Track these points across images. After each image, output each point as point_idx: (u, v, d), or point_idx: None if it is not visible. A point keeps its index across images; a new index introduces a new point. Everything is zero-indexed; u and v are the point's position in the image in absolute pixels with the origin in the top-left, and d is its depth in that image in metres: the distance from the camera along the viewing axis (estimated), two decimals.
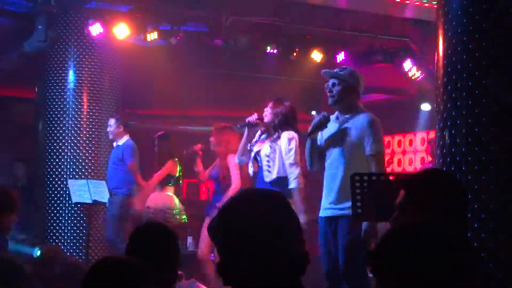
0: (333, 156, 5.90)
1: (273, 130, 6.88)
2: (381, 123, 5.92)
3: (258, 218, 2.03)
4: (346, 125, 5.89)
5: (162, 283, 3.41)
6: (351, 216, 5.22)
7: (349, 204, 5.07)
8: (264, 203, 2.08)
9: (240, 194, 2.15)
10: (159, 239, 3.65)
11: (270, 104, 6.93)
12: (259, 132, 7.08)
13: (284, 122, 6.83)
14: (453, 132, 5.20)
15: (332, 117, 6.01)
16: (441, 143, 5.31)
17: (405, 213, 3.08)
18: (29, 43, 10.26)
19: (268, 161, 6.77)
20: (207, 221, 8.36)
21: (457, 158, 5.15)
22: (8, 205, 5.69)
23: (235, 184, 8.18)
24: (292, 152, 6.67)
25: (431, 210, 3.02)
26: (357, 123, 5.84)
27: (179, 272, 8.93)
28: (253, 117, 7.01)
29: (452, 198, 3.10)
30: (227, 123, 8.54)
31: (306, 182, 6.82)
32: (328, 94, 5.97)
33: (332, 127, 5.96)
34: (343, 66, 6.16)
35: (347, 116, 5.90)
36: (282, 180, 6.67)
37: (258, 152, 6.93)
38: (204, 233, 8.37)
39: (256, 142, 7.03)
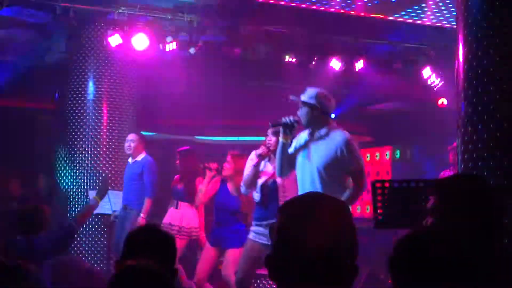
0: (307, 171, 5.98)
1: None
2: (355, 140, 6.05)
3: (318, 221, 2.05)
4: (320, 142, 5.96)
5: None
6: None
7: None
8: (328, 208, 2.10)
9: (309, 194, 2.19)
10: (153, 241, 3.63)
11: (270, 131, 6.96)
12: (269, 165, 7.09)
13: None
14: (474, 137, 5.17)
15: (305, 132, 6.10)
16: (462, 148, 5.29)
17: (437, 218, 3.05)
18: (49, 55, 10.32)
19: (284, 189, 6.86)
20: (209, 250, 8.28)
21: (479, 164, 5.12)
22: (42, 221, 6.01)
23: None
24: None
25: (463, 215, 2.99)
26: (333, 140, 5.92)
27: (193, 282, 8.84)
28: (264, 150, 7.00)
29: (484, 202, 3.05)
30: (242, 151, 8.48)
31: None
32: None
33: (304, 142, 6.05)
34: (306, 88, 6.15)
35: (319, 134, 5.98)
36: None
37: (266, 181, 6.99)
38: (203, 259, 8.34)
39: (261, 171, 7.06)
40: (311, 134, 6.04)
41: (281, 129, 6.12)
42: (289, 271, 2.03)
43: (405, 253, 2.42)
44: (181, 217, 9.13)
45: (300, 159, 6.06)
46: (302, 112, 6.01)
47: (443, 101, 12.27)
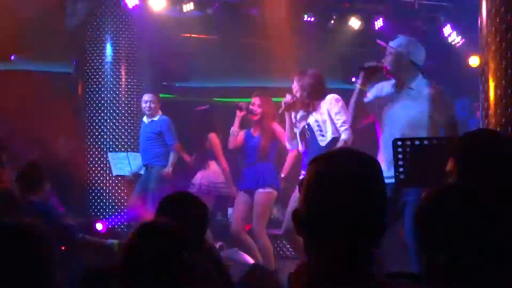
0: (396, 126, 5.54)
1: (307, 103, 6.89)
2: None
3: (347, 175, 2.01)
4: (407, 96, 5.53)
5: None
6: None
7: None
8: (358, 163, 2.05)
9: (340, 150, 2.17)
10: (187, 206, 3.70)
11: (296, 78, 6.92)
12: (300, 113, 7.03)
13: (315, 91, 6.82)
14: (498, 93, 5.11)
15: (388, 83, 5.69)
16: (486, 104, 5.23)
17: (458, 174, 2.99)
18: (67, 18, 10.28)
19: (319, 126, 6.74)
20: (241, 196, 8.22)
21: (503, 120, 5.06)
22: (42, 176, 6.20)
23: (293, 152, 7.97)
24: (341, 113, 6.64)
25: (486, 171, 2.92)
26: (423, 93, 5.48)
27: (220, 243, 8.96)
28: (288, 98, 6.93)
29: (504, 159, 2.96)
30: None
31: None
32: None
33: (392, 94, 5.62)
34: (398, 35, 5.73)
35: (407, 86, 5.54)
36: (337, 140, 6.62)
37: (304, 127, 6.90)
38: (237, 207, 8.27)
39: (298, 120, 6.99)
40: (396, 86, 5.60)
41: (361, 74, 5.67)
42: (316, 227, 2.00)
43: (427, 210, 2.38)
44: (206, 176, 9.10)
45: (383, 112, 5.64)
46: (389, 60, 5.57)
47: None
